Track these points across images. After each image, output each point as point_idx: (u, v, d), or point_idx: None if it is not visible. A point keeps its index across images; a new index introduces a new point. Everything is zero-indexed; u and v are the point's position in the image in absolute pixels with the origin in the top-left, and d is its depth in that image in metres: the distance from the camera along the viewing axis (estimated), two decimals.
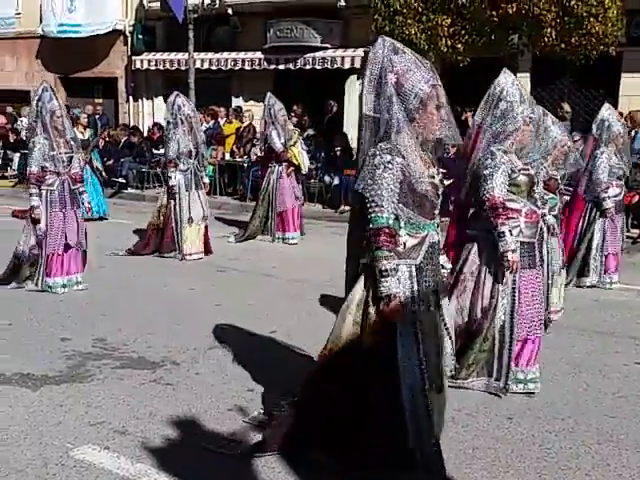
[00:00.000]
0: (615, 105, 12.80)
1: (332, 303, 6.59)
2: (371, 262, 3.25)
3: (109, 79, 19.39)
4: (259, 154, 13.99)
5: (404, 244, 3.30)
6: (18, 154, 16.47)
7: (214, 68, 16.99)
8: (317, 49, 15.79)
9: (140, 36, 18.10)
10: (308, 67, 15.87)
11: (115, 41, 18.83)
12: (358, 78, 16.00)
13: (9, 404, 4.30)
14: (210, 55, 17.00)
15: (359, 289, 3.37)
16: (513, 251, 4.35)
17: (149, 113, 19.06)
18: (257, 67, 16.60)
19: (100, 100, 19.24)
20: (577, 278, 7.46)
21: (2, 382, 4.63)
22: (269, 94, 10.11)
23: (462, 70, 12.02)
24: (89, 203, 10.43)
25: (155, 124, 17.06)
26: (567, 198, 7.14)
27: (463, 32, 11.44)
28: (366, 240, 3.28)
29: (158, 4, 16.40)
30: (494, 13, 11.02)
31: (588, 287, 7.38)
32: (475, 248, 4.55)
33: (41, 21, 19.30)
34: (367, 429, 3.35)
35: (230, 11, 16.60)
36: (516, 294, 4.46)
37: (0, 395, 4.43)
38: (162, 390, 4.56)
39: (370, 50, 3.36)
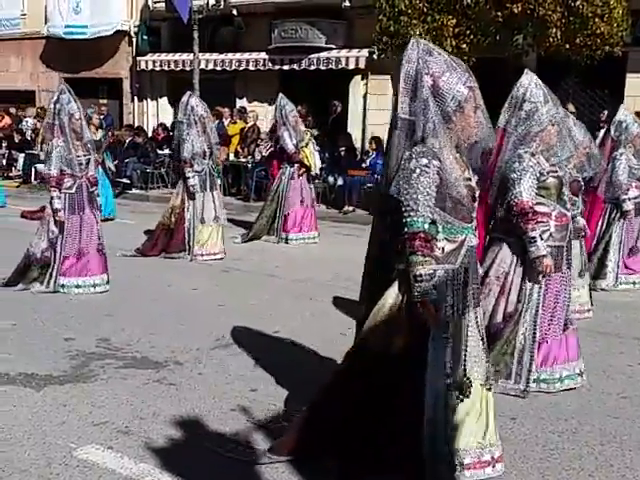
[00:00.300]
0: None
1: (335, 303, 6.60)
2: (406, 267, 3.19)
3: (114, 80, 19.43)
4: (264, 154, 14.06)
5: (442, 249, 3.25)
6: (23, 154, 16.52)
7: (219, 69, 17.01)
8: (321, 49, 15.80)
9: (145, 37, 18.13)
10: (312, 67, 15.87)
11: (120, 42, 18.87)
12: (362, 79, 16.02)
13: (13, 404, 4.30)
14: (215, 56, 17.02)
15: (392, 293, 3.31)
16: (545, 256, 4.31)
17: (153, 114, 19.09)
18: (261, 68, 16.62)
19: (105, 101, 19.27)
20: (592, 280, 7.33)
21: (6, 382, 4.64)
22: (281, 95, 10.08)
23: None
24: (100, 205, 10.51)
25: (160, 124, 17.12)
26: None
27: (468, 32, 11.44)
28: (401, 245, 3.21)
29: (163, 5, 16.42)
30: (499, 13, 11.02)
31: (602, 290, 7.27)
32: (502, 252, 4.49)
33: (46, 22, 19.35)
34: (389, 428, 3.31)
35: (235, 12, 16.61)
36: (541, 298, 4.44)
37: (4, 395, 4.43)
38: (165, 390, 4.56)
39: (403, 53, 3.30)
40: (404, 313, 3.27)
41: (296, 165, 9.92)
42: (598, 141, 7.55)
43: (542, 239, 4.34)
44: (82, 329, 5.80)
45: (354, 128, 15.73)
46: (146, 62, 18.15)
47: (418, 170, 3.18)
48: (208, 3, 15.77)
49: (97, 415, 4.16)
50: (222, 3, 16.17)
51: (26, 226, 10.20)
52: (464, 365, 3.34)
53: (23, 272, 7.01)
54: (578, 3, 10.72)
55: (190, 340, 5.51)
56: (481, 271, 4.29)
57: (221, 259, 8.72)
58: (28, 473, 3.50)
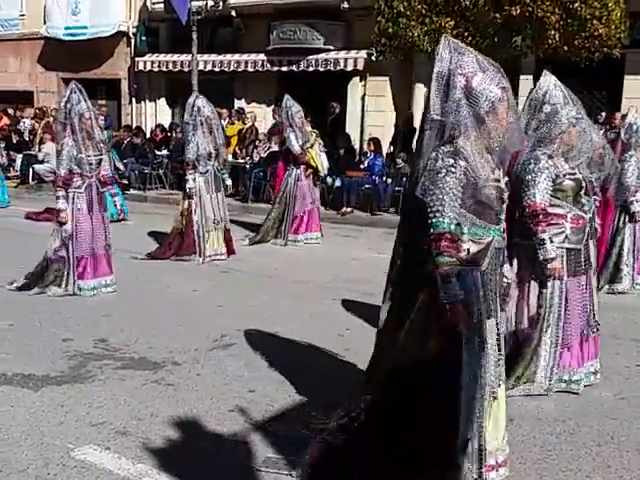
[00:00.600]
0: (618, 107, 12.83)
1: (335, 304, 6.60)
2: (433, 268, 3.13)
3: (112, 80, 19.43)
4: (262, 155, 14.06)
5: (468, 250, 3.18)
6: (21, 155, 16.50)
7: (217, 70, 17.01)
8: (320, 51, 15.80)
9: (143, 37, 18.13)
10: (311, 69, 15.88)
11: (118, 42, 18.87)
12: (361, 80, 16.03)
13: (10, 404, 4.30)
14: (213, 57, 17.01)
15: (421, 296, 3.26)
16: (553, 259, 4.29)
17: (152, 114, 19.06)
18: (260, 69, 16.62)
19: (103, 101, 19.26)
20: (609, 285, 7.37)
21: (4, 382, 4.63)
22: (287, 96, 9.98)
23: None
24: (120, 205, 10.48)
25: (158, 125, 17.10)
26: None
27: (467, 34, 11.41)
28: (427, 246, 3.17)
29: (162, 6, 16.44)
30: (498, 15, 11.02)
31: (620, 293, 7.29)
32: (519, 256, 4.47)
33: (45, 23, 19.34)
34: (424, 433, 3.25)
35: (233, 13, 16.63)
36: (563, 302, 4.42)
37: (1, 395, 4.43)
38: (163, 391, 4.56)
39: (435, 52, 3.26)
40: (435, 316, 3.19)
41: (302, 167, 9.86)
42: None
43: (552, 242, 4.32)
44: (80, 330, 5.80)
45: (352, 129, 15.74)
46: (144, 63, 18.14)
47: (444, 170, 3.13)
48: (207, 4, 15.77)
49: (95, 416, 4.15)
50: (221, 4, 16.17)
51: (30, 227, 10.22)
52: (499, 368, 3.31)
53: (41, 274, 6.93)
54: (576, 5, 10.72)
55: (188, 341, 5.51)
56: (513, 275, 4.09)
57: (224, 259, 8.70)
58: (26, 473, 3.49)
